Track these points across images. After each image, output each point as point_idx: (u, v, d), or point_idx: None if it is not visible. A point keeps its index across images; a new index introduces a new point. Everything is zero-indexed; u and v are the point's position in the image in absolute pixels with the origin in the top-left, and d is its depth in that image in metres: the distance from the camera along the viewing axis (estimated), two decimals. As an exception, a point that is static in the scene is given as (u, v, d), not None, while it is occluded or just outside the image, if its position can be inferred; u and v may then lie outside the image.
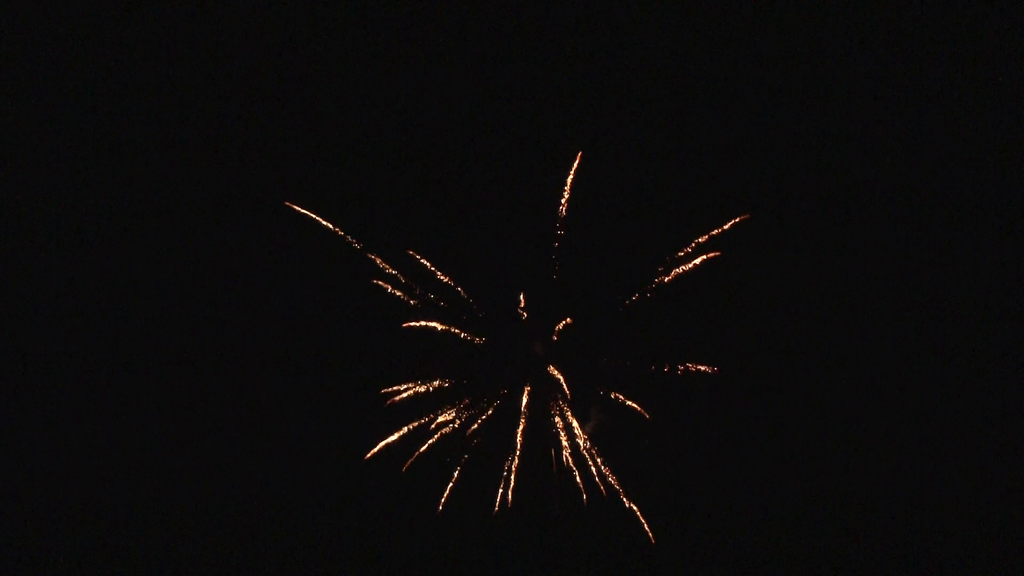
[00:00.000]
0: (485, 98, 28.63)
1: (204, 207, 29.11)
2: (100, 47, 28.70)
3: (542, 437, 27.84)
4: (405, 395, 27.50)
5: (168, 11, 28.87)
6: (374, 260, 27.49)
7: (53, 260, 28.73)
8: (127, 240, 28.93)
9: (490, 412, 27.95)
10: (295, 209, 27.42)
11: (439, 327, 27.45)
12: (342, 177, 29.02)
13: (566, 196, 26.82)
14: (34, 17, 28.34)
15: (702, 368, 26.67)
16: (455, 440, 27.80)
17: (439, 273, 27.47)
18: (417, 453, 27.43)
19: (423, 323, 27.34)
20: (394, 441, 27.40)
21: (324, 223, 27.47)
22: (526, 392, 27.71)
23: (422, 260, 27.40)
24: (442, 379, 27.78)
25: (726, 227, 26.31)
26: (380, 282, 27.46)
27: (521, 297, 27.20)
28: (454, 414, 27.81)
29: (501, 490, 27.32)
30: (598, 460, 27.31)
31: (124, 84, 28.98)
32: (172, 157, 29.04)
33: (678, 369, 26.90)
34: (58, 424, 28.47)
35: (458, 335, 27.56)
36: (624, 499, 27.00)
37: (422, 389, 27.59)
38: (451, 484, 27.44)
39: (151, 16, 28.80)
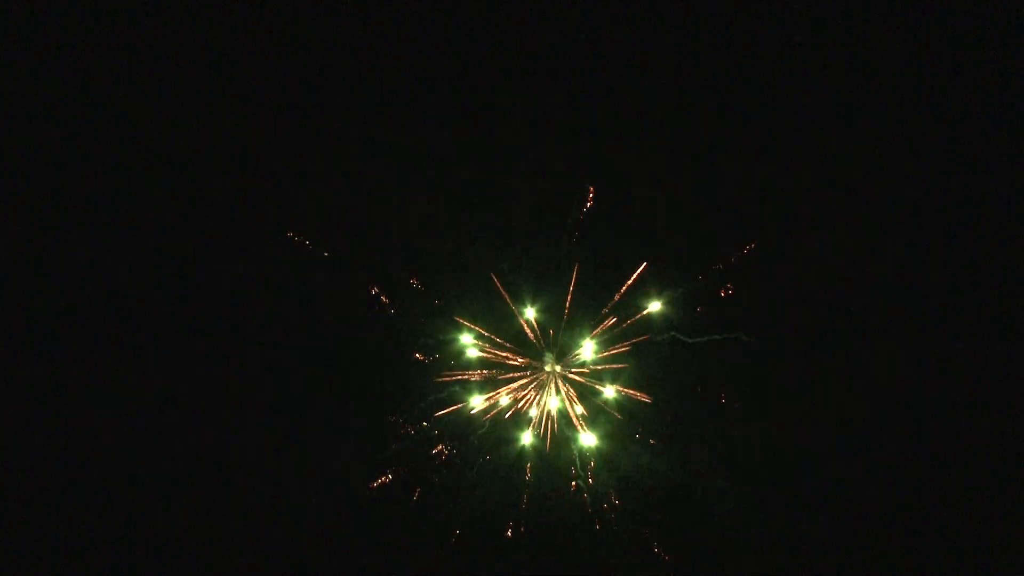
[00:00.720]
0: (493, 124, 28.26)
1: (205, 238, 28.83)
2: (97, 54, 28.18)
3: (551, 460, 27.98)
4: (411, 424, 27.69)
5: (166, 32, 28.33)
6: (378, 294, 27.49)
7: (46, 283, 28.36)
8: (125, 272, 28.58)
9: (496, 437, 28.10)
10: (297, 240, 27.35)
11: (445, 357, 27.60)
12: (343, 204, 28.57)
13: (577, 230, 26.81)
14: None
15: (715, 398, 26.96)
16: (462, 465, 28.01)
17: (441, 302, 27.52)
18: (424, 483, 27.70)
19: (429, 357, 27.44)
20: (400, 471, 27.60)
21: (326, 254, 27.47)
22: (534, 417, 27.91)
23: (423, 287, 27.43)
24: (447, 406, 27.83)
25: (733, 259, 26.28)
26: (382, 306, 27.53)
27: (524, 323, 27.24)
28: (459, 440, 27.98)
29: (512, 516, 27.56)
30: (607, 481, 27.51)
31: (121, 95, 28.43)
32: (171, 196, 28.60)
33: (684, 395, 27.17)
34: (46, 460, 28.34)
35: (464, 362, 27.67)
36: (632, 518, 27.27)
37: (426, 420, 27.80)
38: (462, 511, 27.67)
39: (147, 32, 28.27)
